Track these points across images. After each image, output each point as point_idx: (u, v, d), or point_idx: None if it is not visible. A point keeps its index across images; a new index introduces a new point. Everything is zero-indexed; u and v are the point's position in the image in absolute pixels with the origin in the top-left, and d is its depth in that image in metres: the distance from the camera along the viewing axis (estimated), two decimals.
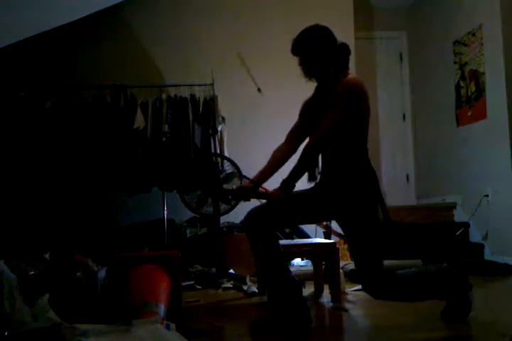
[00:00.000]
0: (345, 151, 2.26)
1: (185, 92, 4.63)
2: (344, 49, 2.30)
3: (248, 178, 4.97)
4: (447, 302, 2.27)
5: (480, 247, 4.42)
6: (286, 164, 2.42)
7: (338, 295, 2.92)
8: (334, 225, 4.75)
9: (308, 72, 2.31)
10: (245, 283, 3.55)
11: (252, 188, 2.36)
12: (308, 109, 2.40)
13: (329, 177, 2.30)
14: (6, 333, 1.84)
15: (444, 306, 2.28)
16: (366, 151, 2.30)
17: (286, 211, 2.28)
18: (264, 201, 2.39)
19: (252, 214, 2.26)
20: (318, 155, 2.30)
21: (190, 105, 4.53)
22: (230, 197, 2.62)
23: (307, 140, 2.36)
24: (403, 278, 2.25)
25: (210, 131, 4.54)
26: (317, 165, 2.35)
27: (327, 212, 2.31)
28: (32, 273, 2.29)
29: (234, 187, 2.50)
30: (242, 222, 2.37)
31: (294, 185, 2.26)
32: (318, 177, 2.36)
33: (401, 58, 6.01)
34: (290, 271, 2.27)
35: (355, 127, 2.25)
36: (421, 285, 2.25)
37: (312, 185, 2.37)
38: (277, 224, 2.33)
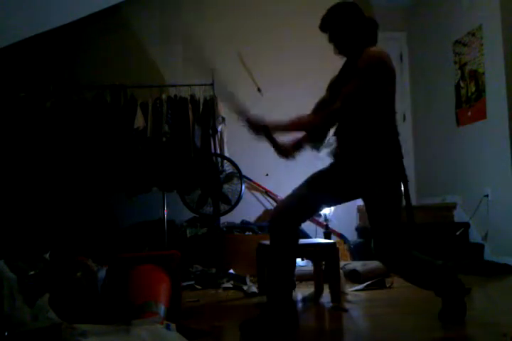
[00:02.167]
0: (370, 126, 2.24)
1: (185, 92, 4.63)
2: (371, 23, 2.32)
3: (249, 179, 5.00)
4: (444, 303, 2.28)
5: (480, 247, 4.42)
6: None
7: (338, 295, 2.92)
8: (334, 225, 4.76)
9: (338, 47, 2.32)
10: (245, 283, 3.55)
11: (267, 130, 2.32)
12: (334, 86, 2.39)
13: (354, 152, 2.29)
14: (6, 333, 1.84)
15: (441, 307, 2.29)
16: (394, 126, 2.28)
17: (312, 195, 2.29)
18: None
19: (278, 208, 2.28)
20: (333, 122, 2.28)
21: (190, 105, 4.53)
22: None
23: None
24: (415, 258, 2.25)
25: (210, 131, 4.54)
26: (324, 137, 2.36)
27: (351, 189, 2.31)
28: (32, 273, 2.29)
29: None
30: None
31: (276, 132, 2.31)
32: (335, 151, 2.37)
33: (401, 58, 6.00)
34: (294, 275, 2.30)
35: (379, 100, 2.22)
36: (426, 272, 2.27)
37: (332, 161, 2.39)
38: (305, 213, 2.34)
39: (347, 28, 2.28)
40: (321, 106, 2.43)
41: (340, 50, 2.32)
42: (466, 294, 2.29)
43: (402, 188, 2.28)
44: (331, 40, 2.33)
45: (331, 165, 2.39)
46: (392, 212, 2.20)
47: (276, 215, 2.28)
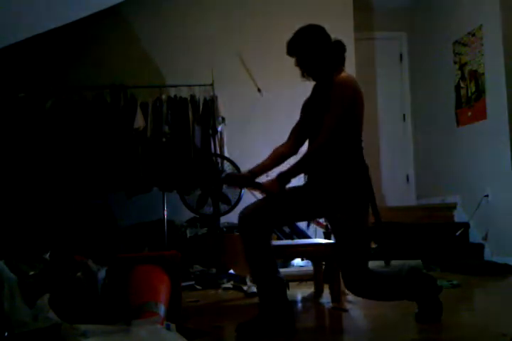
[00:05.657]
0: (339, 149, 2.24)
1: (185, 93, 4.63)
2: (339, 46, 2.32)
3: None
4: (419, 305, 2.28)
5: (480, 247, 4.42)
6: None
7: (338, 295, 2.92)
8: None
9: (306, 72, 2.32)
10: (245, 283, 3.55)
11: (249, 178, 2.33)
12: (307, 108, 2.41)
13: (323, 174, 2.28)
14: (6, 333, 1.84)
15: (417, 309, 2.29)
16: (361, 150, 2.30)
17: (279, 208, 2.26)
18: (257, 194, 2.37)
19: (245, 212, 2.24)
20: (320, 159, 2.27)
21: (190, 105, 4.53)
22: (224, 182, 2.54)
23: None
24: (380, 277, 2.27)
25: (210, 132, 4.54)
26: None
27: (319, 209, 2.30)
28: (32, 273, 2.29)
29: (229, 172, 2.44)
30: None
31: (290, 181, 2.25)
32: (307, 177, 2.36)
33: (401, 58, 6.01)
34: (279, 272, 2.27)
35: (349, 125, 2.24)
36: (394, 286, 2.28)
37: (304, 181, 2.38)
38: (270, 222, 2.28)
39: (315, 52, 2.27)
40: (294, 134, 2.45)
41: (308, 74, 2.32)
42: (439, 292, 2.30)
43: (371, 209, 2.26)
44: (298, 64, 2.32)
45: (304, 185, 2.37)
46: (358, 235, 2.20)
47: (246, 214, 2.23)
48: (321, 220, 4.70)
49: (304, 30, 2.32)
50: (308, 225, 3.38)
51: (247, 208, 2.27)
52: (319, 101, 2.29)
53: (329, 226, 2.31)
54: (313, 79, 2.36)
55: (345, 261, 2.20)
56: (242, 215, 2.24)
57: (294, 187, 2.34)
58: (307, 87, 2.45)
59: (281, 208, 2.28)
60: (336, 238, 2.28)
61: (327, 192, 2.24)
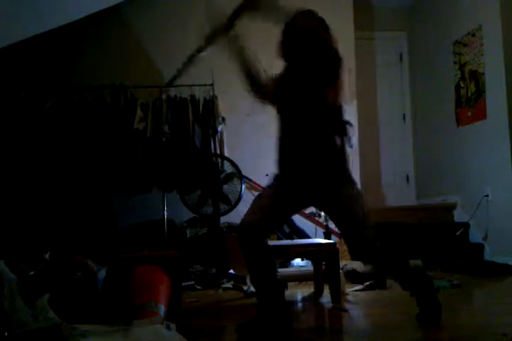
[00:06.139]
0: (323, 130, 2.28)
1: (185, 93, 4.63)
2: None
3: (249, 179, 4.99)
4: (419, 305, 2.30)
5: (480, 247, 4.42)
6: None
7: (338, 295, 2.92)
8: (334, 225, 4.75)
9: (293, 51, 2.41)
10: (245, 283, 3.55)
11: None
12: (282, 83, 2.47)
13: (312, 158, 2.29)
14: (6, 333, 1.84)
15: (418, 309, 2.30)
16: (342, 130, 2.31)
17: (275, 214, 2.32)
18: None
19: (243, 228, 2.28)
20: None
21: (190, 105, 4.53)
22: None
23: None
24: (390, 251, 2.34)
25: (210, 132, 4.54)
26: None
27: (316, 194, 2.31)
28: (32, 273, 2.29)
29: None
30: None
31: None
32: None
33: (401, 58, 6.00)
34: (277, 274, 2.31)
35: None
36: (398, 260, 2.34)
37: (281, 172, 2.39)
38: (268, 231, 2.37)
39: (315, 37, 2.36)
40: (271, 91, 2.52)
41: (292, 54, 2.43)
42: (435, 293, 2.33)
43: None
44: (286, 40, 2.46)
45: (276, 185, 2.37)
46: (360, 212, 2.27)
47: (244, 230, 2.28)
48: (321, 220, 4.70)
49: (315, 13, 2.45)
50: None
51: (244, 223, 2.30)
52: (295, 82, 2.36)
53: (328, 211, 2.36)
54: (294, 62, 2.43)
55: (356, 235, 2.27)
56: (241, 231, 2.28)
57: (275, 186, 2.35)
58: None
59: (278, 212, 2.33)
60: (341, 216, 2.30)
61: (325, 172, 2.26)
